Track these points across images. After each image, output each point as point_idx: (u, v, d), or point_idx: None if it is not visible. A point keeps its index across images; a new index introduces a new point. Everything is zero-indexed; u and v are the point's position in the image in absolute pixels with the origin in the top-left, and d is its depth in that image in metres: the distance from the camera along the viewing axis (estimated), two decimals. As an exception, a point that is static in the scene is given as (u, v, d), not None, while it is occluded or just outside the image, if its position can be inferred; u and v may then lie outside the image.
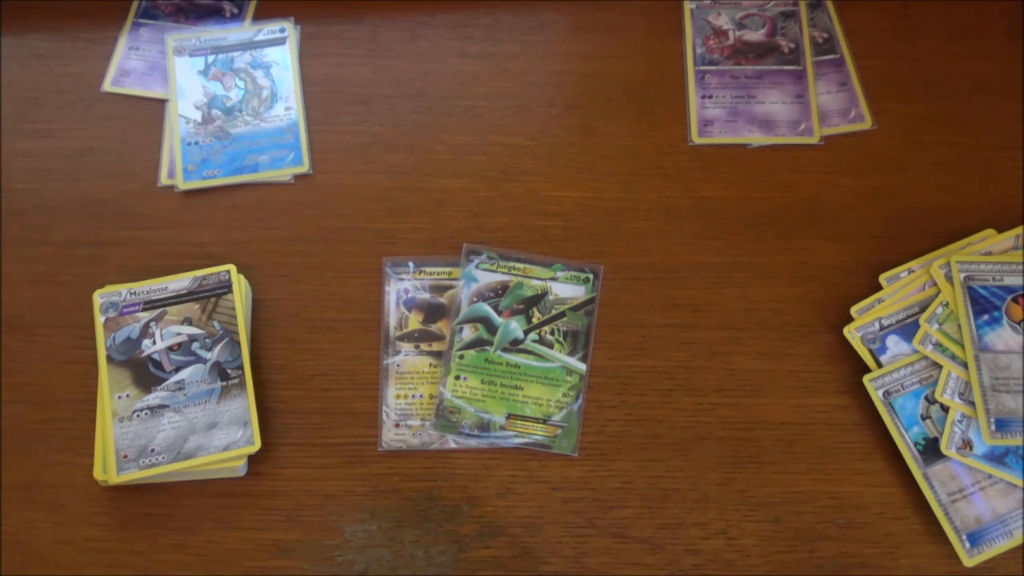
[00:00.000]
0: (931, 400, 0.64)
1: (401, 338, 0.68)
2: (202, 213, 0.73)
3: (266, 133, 0.76)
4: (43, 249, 0.71)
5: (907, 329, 0.66)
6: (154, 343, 0.65)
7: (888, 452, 0.64)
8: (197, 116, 0.76)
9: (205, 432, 0.63)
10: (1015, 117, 0.76)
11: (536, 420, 0.65)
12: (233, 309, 0.67)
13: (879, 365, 0.66)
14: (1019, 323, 0.65)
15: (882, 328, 0.67)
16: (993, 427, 0.63)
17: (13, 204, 0.73)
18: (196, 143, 0.75)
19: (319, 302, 0.70)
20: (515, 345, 0.67)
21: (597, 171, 0.75)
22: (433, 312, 0.69)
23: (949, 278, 0.67)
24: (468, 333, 0.68)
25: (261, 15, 0.81)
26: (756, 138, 0.76)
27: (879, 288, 0.69)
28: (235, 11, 0.81)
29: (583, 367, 0.67)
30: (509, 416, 0.65)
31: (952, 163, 0.75)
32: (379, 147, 0.76)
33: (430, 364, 0.67)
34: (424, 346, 0.68)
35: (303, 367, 0.67)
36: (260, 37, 0.80)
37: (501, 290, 0.69)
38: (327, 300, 0.70)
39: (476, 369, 0.67)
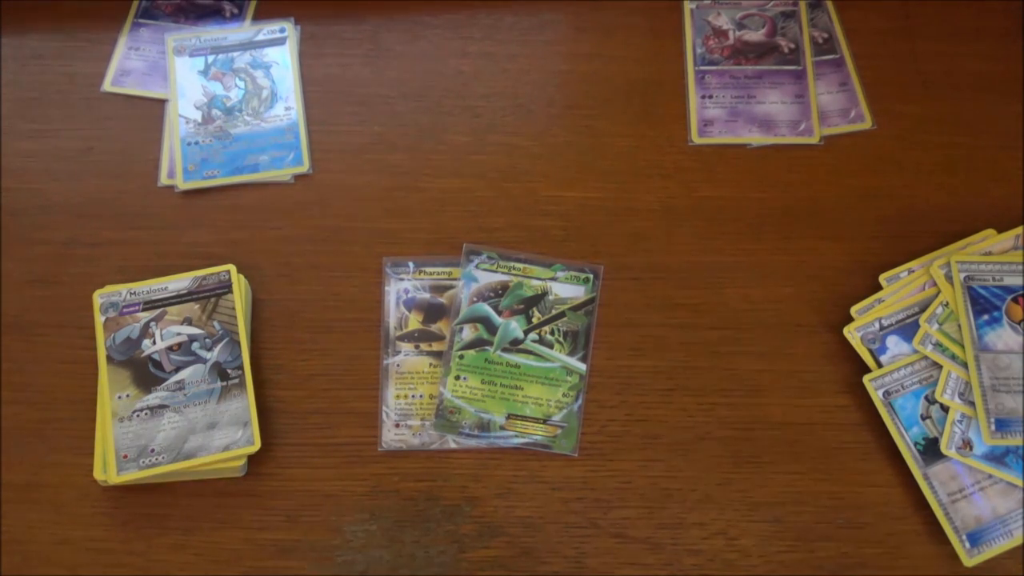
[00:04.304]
0: (931, 400, 0.64)
1: (401, 338, 0.68)
2: (202, 213, 0.73)
3: (266, 133, 0.76)
4: (43, 249, 0.71)
5: (907, 329, 0.66)
6: (154, 343, 0.65)
7: (888, 452, 0.64)
8: (197, 116, 0.76)
9: (205, 432, 0.63)
10: (1015, 117, 0.76)
11: (536, 420, 0.65)
12: (233, 309, 0.67)
13: (879, 365, 0.66)
14: (1019, 323, 0.65)
15: (882, 328, 0.67)
16: (993, 427, 0.63)
17: (13, 204, 0.73)
18: (196, 143, 0.75)
19: (319, 302, 0.70)
20: (515, 345, 0.67)
21: (597, 171, 0.75)
22: (433, 312, 0.69)
23: (949, 278, 0.67)
24: (468, 333, 0.68)
25: (261, 15, 0.81)
26: (756, 138, 0.76)
27: (879, 288, 0.69)
28: (235, 11, 0.81)
29: (583, 367, 0.67)
30: (509, 416, 0.65)
31: (952, 163, 0.75)
32: (379, 147, 0.76)
33: (430, 364, 0.67)
34: (424, 346, 0.68)
35: (303, 367, 0.67)
36: (260, 37, 0.80)
37: (501, 290, 0.69)
38: (327, 300, 0.70)
39: (476, 369, 0.67)
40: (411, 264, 0.70)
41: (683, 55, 0.80)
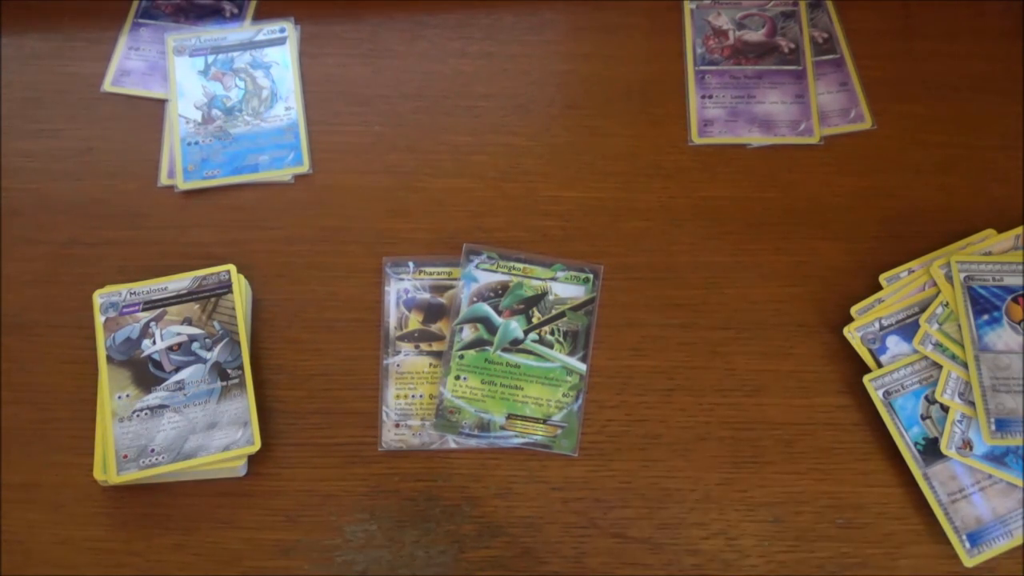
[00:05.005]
0: (931, 400, 0.64)
1: (401, 338, 0.68)
2: (202, 213, 0.73)
3: (266, 133, 0.76)
4: (43, 249, 0.71)
5: (907, 329, 0.66)
6: (154, 343, 0.65)
7: (888, 452, 0.64)
8: (197, 116, 0.76)
9: (205, 432, 0.63)
10: (1015, 117, 0.76)
11: (536, 420, 0.65)
12: (233, 309, 0.67)
13: (879, 365, 0.66)
14: (1019, 323, 0.65)
15: (882, 328, 0.67)
16: (993, 427, 0.63)
17: (13, 204, 0.73)
18: (196, 143, 0.75)
19: (319, 302, 0.70)
20: (515, 345, 0.67)
21: (597, 171, 0.75)
22: (433, 312, 0.69)
23: (949, 278, 0.67)
24: (468, 333, 0.68)
25: (261, 15, 0.81)
26: (756, 138, 0.76)
27: (879, 288, 0.69)
28: (235, 11, 0.81)
29: (583, 367, 0.67)
30: (509, 416, 0.65)
31: (952, 163, 0.75)
32: (379, 147, 0.76)
33: (430, 364, 0.67)
34: (424, 346, 0.68)
35: (303, 367, 0.67)
36: (260, 37, 0.80)
37: (501, 290, 0.69)
38: (327, 300, 0.70)
39: (476, 369, 0.67)
40: (411, 264, 0.70)
41: (683, 55, 0.80)
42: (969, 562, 0.61)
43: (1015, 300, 0.66)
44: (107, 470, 0.62)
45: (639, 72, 0.79)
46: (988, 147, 0.75)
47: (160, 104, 0.77)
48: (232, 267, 0.68)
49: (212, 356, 0.65)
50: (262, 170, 0.74)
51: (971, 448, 0.63)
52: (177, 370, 0.65)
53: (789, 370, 0.67)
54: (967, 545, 0.61)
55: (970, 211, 0.72)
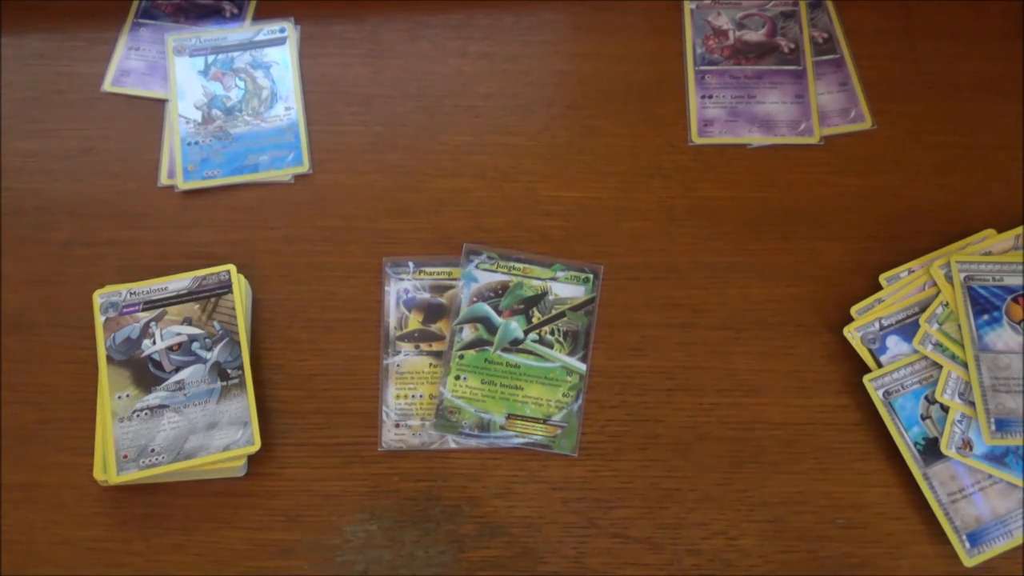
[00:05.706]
0: (931, 400, 0.64)
1: (401, 338, 0.68)
2: (202, 213, 0.73)
3: (266, 133, 0.76)
4: (43, 249, 0.71)
5: (907, 329, 0.66)
6: (154, 343, 0.65)
7: (888, 452, 0.64)
8: (197, 116, 0.76)
9: (205, 432, 0.63)
10: (1015, 117, 0.76)
11: (536, 420, 0.65)
12: (233, 309, 0.67)
13: (879, 365, 0.66)
14: (1019, 323, 0.65)
15: (882, 328, 0.67)
16: (993, 427, 0.63)
17: (13, 204, 0.73)
18: (196, 143, 0.75)
19: (319, 302, 0.70)
20: (515, 345, 0.67)
21: (597, 171, 0.75)
22: (433, 312, 0.69)
23: (949, 278, 0.67)
24: (468, 333, 0.68)
25: (261, 15, 0.81)
26: (756, 138, 0.76)
27: (879, 288, 0.69)
28: (235, 11, 0.81)
29: (583, 367, 0.67)
30: (509, 416, 0.65)
31: (952, 163, 0.75)
32: (379, 147, 0.76)
33: (430, 364, 0.67)
34: (424, 346, 0.68)
35: (303, 367, 0.67)
36: (260, 37, 0.80)
37: (501, 290, 0.69)
38: (327, 300, 0.70)
39: (476, 369, 0.67)
40: (411, 264, 0.70)
41: (683, 55, 0.80)
42: (969, 562, 0.61)
43: (1015, 300, 0.66)
44: (107, 470, 0.62)
45: (639, 72, 0.79)
46: (988, 147, 0.75)
47: (160, 104, 0.77)
48: (232, 267, 0.68)
49: (212, 356, 0.65)
50: (262, 170, 0.74)
51: (971, 448, 0.63)
52: (177, 370, 0.65)
53: (789, 370, 0.67)
54: (967, 545, 0.61)
55: (970, 211, 0.72)
